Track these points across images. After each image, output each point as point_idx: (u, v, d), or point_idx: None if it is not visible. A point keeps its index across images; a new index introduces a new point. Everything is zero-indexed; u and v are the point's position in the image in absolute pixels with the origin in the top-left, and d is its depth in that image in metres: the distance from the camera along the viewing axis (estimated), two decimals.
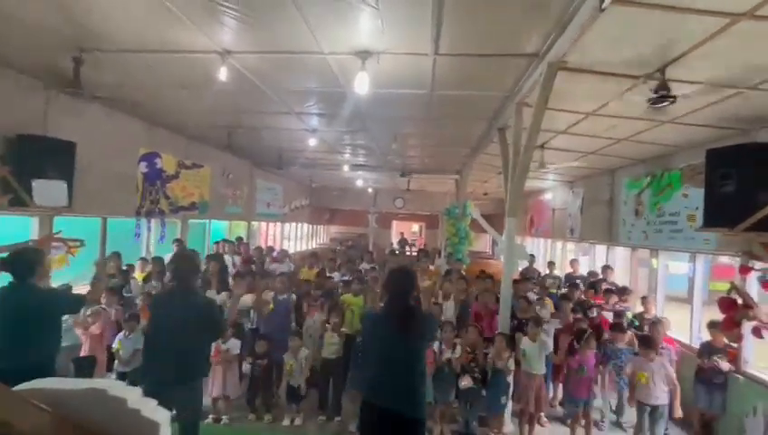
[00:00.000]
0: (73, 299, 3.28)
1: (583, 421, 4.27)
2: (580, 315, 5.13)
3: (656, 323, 4.71)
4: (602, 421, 4.79)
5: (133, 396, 0.70)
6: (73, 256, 4.31)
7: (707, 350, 4.37)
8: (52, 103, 4.71)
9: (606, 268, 6.84)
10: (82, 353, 4.35)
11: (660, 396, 3.91)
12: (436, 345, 4.23)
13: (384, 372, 2.61)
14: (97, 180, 5.36)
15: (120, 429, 0.67)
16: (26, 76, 4.40)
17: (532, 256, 8.88)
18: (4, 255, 2.98)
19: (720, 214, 3.87)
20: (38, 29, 3.32)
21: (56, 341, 3.03)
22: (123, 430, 0.67)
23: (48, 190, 4.30)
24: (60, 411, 0.65)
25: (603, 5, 2.33)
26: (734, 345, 4.30)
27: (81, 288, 5.24)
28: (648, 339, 4.17)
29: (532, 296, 5.69)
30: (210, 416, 4.30)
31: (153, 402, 0.72)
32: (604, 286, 6.19)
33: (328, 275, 6.48)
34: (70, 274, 5.01)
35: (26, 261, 2.91)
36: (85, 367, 4.20)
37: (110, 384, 0.71)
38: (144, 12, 2.99)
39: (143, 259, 6.41)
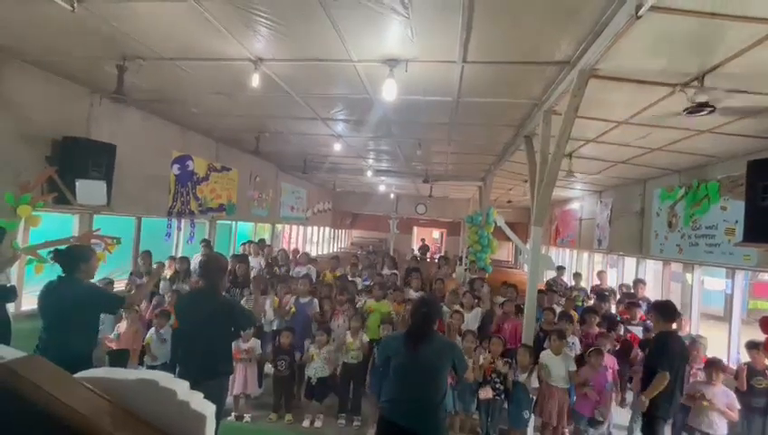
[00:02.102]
0: (114, 299, 3.38)
1: None
2: (603, 330, 4.96)
3: (695, 341, 4.49)
4: None
5: (182, 388, 0.74)
6: (110, 253, 4.54)
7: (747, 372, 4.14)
8: (96, 108, 5.00)
9: (638, 282, 6.58)
10: (116, 347, 4.53)
11: (719, 426, 3.68)
12: None
13: (402, 391, 2.61)
14: (133, 181, 5.62)
15: (168, 419, 0.70)
16: (73, 82, 4.68)
17: (560, 267, 8.67)
18: (62, 247, 3.17)
19: (762, 228, 3.69)
20: (86, 40, 3.53)
21: (95, 334, 3.18)
22: (172, 421, 0.70)
23: (90, 190, 4.53)
24: (115, 400, 0.70)
25: (640, 12, 2.29)
26: None
27: (119, 283, 5.49)
28: (715, 362, 3.94)
29: (557, 308, 5.56)
30: (233, 414, 4.39)
31: (200, 395, 0.76)
32: (627, 301, 5.97)
33: (350, 279, 6.53)
34: (106, 270, 5.25)
35: (77, 257, 3.09)
36: (119, 359, 4.38)
37: (161, 376, 0.76)
38: (185, 23, 3.14)
39: (172, 258, 6.64)
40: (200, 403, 0.74)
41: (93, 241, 4.47)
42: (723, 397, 3.74)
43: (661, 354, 3.52)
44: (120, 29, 3.30)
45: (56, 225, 4.88)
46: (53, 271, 3.26)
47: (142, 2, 2.87)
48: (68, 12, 2.84)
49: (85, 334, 3.04)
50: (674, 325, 3.72)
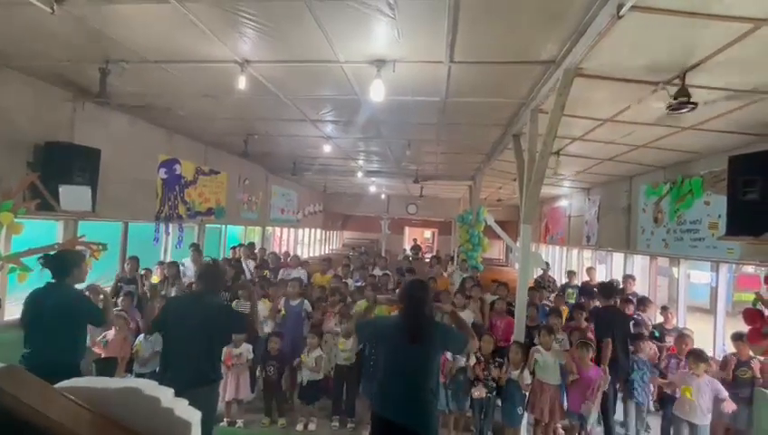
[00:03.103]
0: (99, 313, 3.31)
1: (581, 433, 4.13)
2: (591, 325, 5.03)
3: (682, 335, 4.57)
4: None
5: (166, 396, 0.73)
6: (96, 259, 4.45)
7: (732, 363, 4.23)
8: (79, 112, 4.90)
9: (627, 278, 6.67)
10: (104, 355, 4.45)
11: (704, 415, 3.71)
12: (449, 353, 4.19)
13: (395, 384, 2.57)
14: (119, 186, 5.53)
15: (153, 427, 0.69)
16: (55, 86, 4.58)
17: (546, 263, 8.77)
18: (52, 253, 3.12)
19: (744, 222, 3.78)
20: (67, 42, 3.47)
21: (85, 341, 3.15)
22: (156, 429, 0.69)
23: (74, 196, 4.44)
24: (97, 409, 0.68)
25: (621, 12, 2.32)
26: (761, 358, 4.15)
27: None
28: (699, 352, 3.98)
29: (547, 304, 5.62)
30: (225, 419, 4.35)
31: (185, 402, 0.75)
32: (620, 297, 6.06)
33: (342, 280, 6.51)
34: (92, 276, 5.15)
35: (69, 261, 3.07)
36: (107, 368, 4.31)
37: (145, 384, 0.74)
38: (169, 25, 3.10)
39: (161, 263, 6.55)
40: (185, 410, 0.72)
41: (78, 247, 4.38)
42: (707, 387, 3.76)
43: (604, 326, 4.52)
44: (102, 31, 3.24)
45: (40, 232, 4.77)
46: (38, 279, 3.19)
47: (124, 4, 2.83)
48: (47, 14, 2.78)
49: (77, 340, 3.00)
50: (612, 301, 4.90)
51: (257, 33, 3.16)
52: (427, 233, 21.60)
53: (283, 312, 5.11)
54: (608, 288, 4.98)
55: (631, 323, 5.40)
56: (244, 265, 7.02)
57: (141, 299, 5.43)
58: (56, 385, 0.74)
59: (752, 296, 3.91)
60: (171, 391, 0.76)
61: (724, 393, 3.78)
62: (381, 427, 2.57)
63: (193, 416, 0.73)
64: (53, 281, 3.01)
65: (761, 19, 2.41)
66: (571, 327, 4.94)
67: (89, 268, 3.35)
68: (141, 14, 2.98)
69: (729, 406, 3.76)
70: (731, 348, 4.38)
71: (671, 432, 4.13)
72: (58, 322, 2.87)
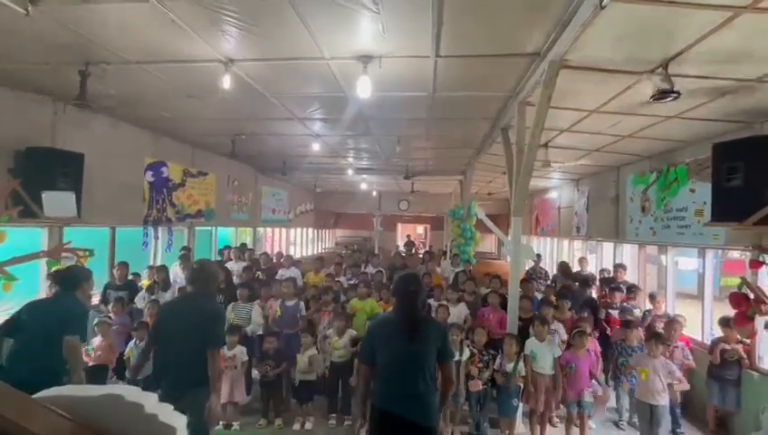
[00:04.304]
0: (83, 332, 3.33)
1: (578, 421, 4.17)
2: (585, 314, 5.09)
3: (672, 321, 4.65)
4: (621, 421, 4.73)
5: (150, 401, 0.71)
6: (83, 265, 4.37)
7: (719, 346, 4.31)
8: (60, 116, 4.80)
9: (618, 267, 6.75)
10: (93, 362, 4.38)
11: (660, 396, 3.80)
12: None
13: (395, 379, 2.56)
14: (105, 190, 5.43)
15: (137, 434, 0.68)
16: (34, 91, 4.47)
17: (538, 255, 8.84)
18: (64, 267, 3.22)
19: (728, 208, 3.84)
20: (44, 45, 3.38)
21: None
22: None
23: (57, 201, 4.36)
24: (79, 418, 0.67)
25: (603, 3, 2.33)
26: (747, 341, 4.25)
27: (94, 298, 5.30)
28: (656, 335, 4.08)
29: (538, 296, 5.66)
30: (220, 422, 4.31)
31: (169, 407, 0.74)
32: (611, 286, 6.15)
33: (336, 279, 6.49)
34: None
35: (80, 275, 3.24)
36: (98, 375, 4.25)
37: (127, 390, 0.73)
38: (149, 24, 3.04)
39: (150, 268, 6.46)
40: (169, 415, 0.71)
41: (64, 254, 4.30)
42: (662, 368, 3.86)
43: (571, 301, 5.38)
44: (80, 33, 3.17)
45: (25, 240, 4.67)
46: (25, 288, 3.16)
47: (101, 4, 2.76)
48: (22, 16, 2.70)
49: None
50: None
51: (240, 30, 3.11)
52: (420, 229, 21.65)
53: (278, 312, 5.08)
54: (567, 269, 6.54)
55: (617, 311, 5.51)
56: (233, 266, 6.94)
57: (131, 303, 5.35)
58: (36, 395, 0.72)
59: (737, 281, 3.99)
60: (155, 396, 0.75)
61: (678, 374, 3.90)
62: (382, 420, 2.56)
63: (178, 421, 0.72)
64: (62, 291, 3.11)
65: (740, 7, 2.44)
66: (566, 319, 5.00)
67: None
68: (119, 13, 2.91)
69: (681, 386, 3.92)
70: (719, 332, 4.47)
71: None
72: (55, 330, 2.89)
